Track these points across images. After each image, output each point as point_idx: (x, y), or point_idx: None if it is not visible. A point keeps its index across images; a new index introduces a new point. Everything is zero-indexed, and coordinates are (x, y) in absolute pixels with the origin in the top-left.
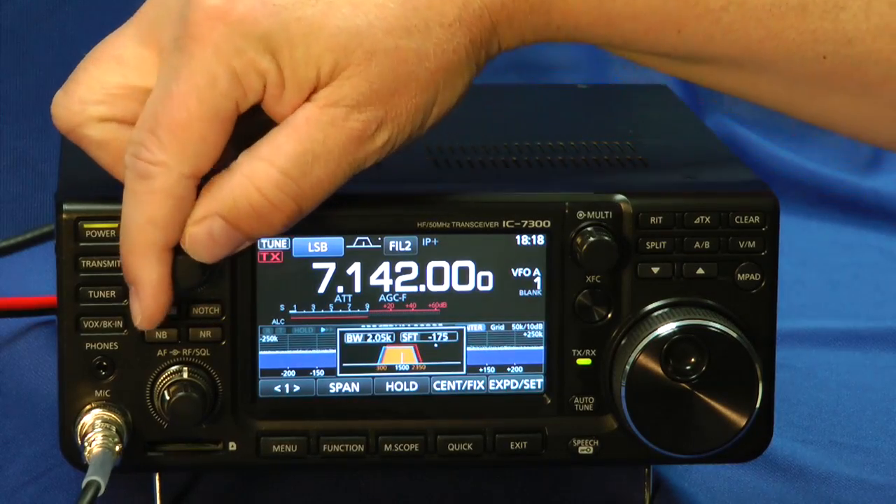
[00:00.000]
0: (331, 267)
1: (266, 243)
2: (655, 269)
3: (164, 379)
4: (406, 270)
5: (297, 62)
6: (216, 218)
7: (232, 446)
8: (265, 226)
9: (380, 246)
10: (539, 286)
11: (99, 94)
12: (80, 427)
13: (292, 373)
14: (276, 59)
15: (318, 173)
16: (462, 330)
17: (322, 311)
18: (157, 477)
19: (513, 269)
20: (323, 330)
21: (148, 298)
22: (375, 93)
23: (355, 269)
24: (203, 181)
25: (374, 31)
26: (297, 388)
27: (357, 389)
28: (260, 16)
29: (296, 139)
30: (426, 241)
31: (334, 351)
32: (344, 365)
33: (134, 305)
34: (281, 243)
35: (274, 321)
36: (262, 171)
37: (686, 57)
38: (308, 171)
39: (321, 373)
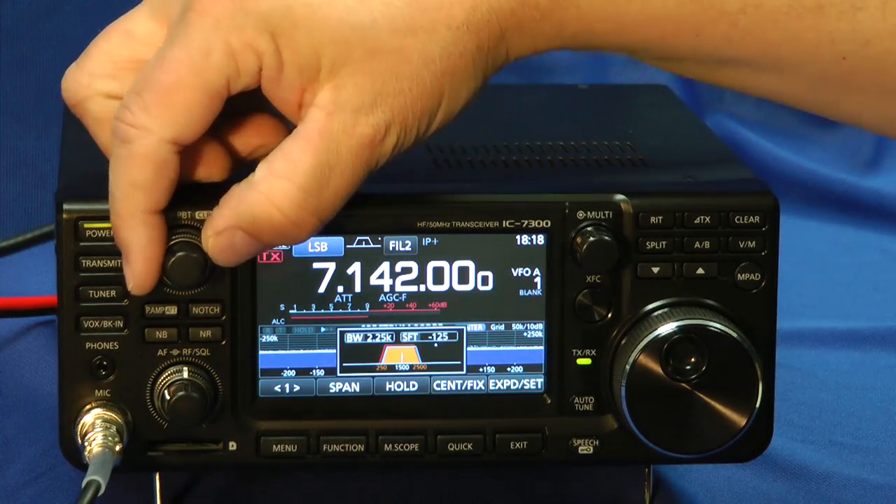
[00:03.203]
0: (331, 267)
1: None
2: (655, 269)
3: (164, 379)
4: (406, 270)
5: (298, 45)
6: (237, 231)
7: (232, 446)
8: (287, 240)
9: (380, 246)
10: (539, 286)
11: (108, 67)
12: (80, 427)
13: (292, 372)
14: (275, 40)
15: (335, 183)
16: (462, 330)
17: (322, 311)
18: (157, 477)
19: (513, 269)
20: (323, 330)
21: (138, 263)
22: (379, 93)
23: (355, 268)
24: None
25: (377, 29)
26: (297, 387)
27: (357, 389)
28: None
29: (311, 152)
30: (426, 240)
31: (334, 351)
32: (344, 365)
33: (126, 271)
34: None
35: (274, 321)
36: (280, 189)
37: (705, 59)
38: (325, 183)
39: (321, 373)
